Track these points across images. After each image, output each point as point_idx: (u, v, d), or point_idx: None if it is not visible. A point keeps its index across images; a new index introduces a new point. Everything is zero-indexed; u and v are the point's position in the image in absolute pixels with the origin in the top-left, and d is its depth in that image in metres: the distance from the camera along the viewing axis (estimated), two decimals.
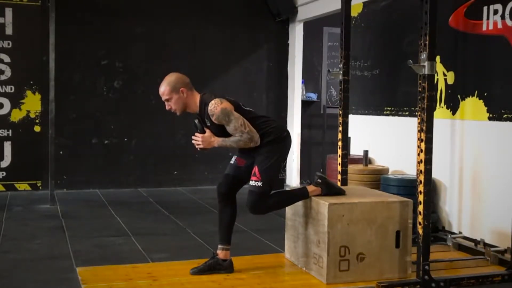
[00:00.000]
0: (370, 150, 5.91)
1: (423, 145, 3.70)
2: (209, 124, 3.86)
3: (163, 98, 3.90)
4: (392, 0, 5.90)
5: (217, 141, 3.85)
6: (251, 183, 3.83)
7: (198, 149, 3.93)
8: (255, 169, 3.82)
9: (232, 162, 4.05)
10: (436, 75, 5.02)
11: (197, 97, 3.92)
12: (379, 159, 6.02)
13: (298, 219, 4.15)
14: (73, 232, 5.21)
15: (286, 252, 4.40)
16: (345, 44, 4.93)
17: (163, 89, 3.88)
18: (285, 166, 3.96)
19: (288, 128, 8.25)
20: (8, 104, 7.19)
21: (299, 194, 4.04)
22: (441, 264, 4.22)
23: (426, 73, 3.68)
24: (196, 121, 3.92)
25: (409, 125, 5.35)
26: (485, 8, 4.66)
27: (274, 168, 3.85)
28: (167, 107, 3.94)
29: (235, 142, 3.80)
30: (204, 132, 3.88)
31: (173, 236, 5.20)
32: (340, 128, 4.94)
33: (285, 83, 8.38)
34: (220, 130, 3.83)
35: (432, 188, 4.09)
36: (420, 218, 3.75)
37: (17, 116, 7.23)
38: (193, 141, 3.92)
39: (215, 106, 3.77)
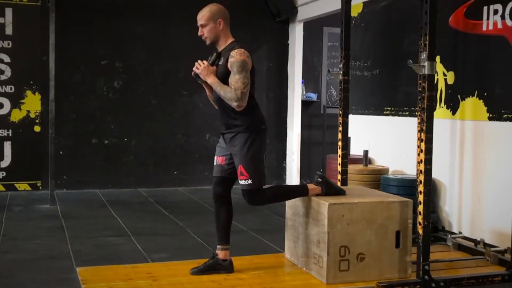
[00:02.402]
0: (370, 150, 5.91)
1: (423, 145, 3.70)
2: (221, 63, 3.85)
3: (199, 22, 3.90)
4: (392, 0, 5.90)
5: (213, 79, 3.82)
6: (242, 182, 3.82)
7: (193, 73, 3.90)
8: (240, 168, 3.80)
9: (215, 163, 4.04)
10: (436, 75, 5.02)
11: (229, 38, 3.94)
12: (379, 159, 6.02)
13: (298, 219, 4.15)
14: (73, 232, 5.21)
15: (286, 252, 4.40)
16: (345, 44, 4.93)
17: (203, 13, 3.89)
18: (266, 159, 3.94)
19: (288, 128, 8.33)
20: (8, 104, 7.19)
21: (299, 190, 4.06)
22: (441, 264, 4.22)
23: (426, 73, 3.68)
24: (214, 54, 3.92)
25: (409, 125, 5.34)
26: (485, 8, 4.66)
27: (257, 161, 3.83)
28: (200, 33, 3.93)
29: (225, 91, 3.76)
30: (212, 66, 3.87)
31: (173, 236, 5.20)
32: (340, 128, 4.93)
33: (285, 83, 8.38)
34: (223, 76, 3.81)
35: (432, 188, 4.09)
36: (420, 218, 3.75)
37: (17, 116, 7.23)
38: (195, 63, 3.89)
39: (241, 53, 3.77)
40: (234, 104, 3.75)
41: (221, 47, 3.93)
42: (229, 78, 3.77)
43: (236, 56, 3.75)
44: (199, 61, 3.88)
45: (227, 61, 3.79)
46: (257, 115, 3.92)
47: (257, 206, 3.97)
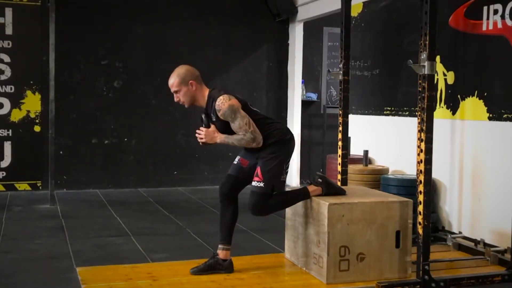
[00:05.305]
0: (370, 150, 5.91)
1: (423, 145, 3.70)
2: (214, 120, 3.86)
3: (172, 89, 3.90)
4: (392, 0, 5.90)
5: (220, 137, 3.85)
6: (253, 183, 3.84)
7: (200, 143, 3.92)
8: (258, 170, 3.83)
9: (235, 162, 4.05)
10: (436, 75, 5.02)
11: (206, 91, 3.92)
12: (379, 159, 6.02)
13: (298, 219, 4.15)
14: (73, 232, 5.21)
15: (286, 252, 4.40)
16: (345, 44, 4.93)
17: (173, 81, 3.88)
18: (287, 168, 3.95)
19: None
20: (8, 104, 7.19)
21: (300, 195, 4.04)
22: (441, 264, 4.22)
23: (426, 73, 3.68)
24: (203, 115, 3.91)
25: (409, 125, 5.35)
26: (485, 8, 4.66)
27: (276, 170, 3.85)
28: (176, 99, 3.93)
29: (237, 140, 3.80)
30: (209, 127, 3.88)
31: (173, 236, 5.20)
32: (340, 128, 4.93)
33: (285, 83, 8.39)
34: (224, 127, 3.83)
35: (432, 188, 4.09)
36: (420, 218, 3.75)
37: (17, 116, 7.23)
38: (196, 135, 3.91)
39: (223, 102, 3.76)
40: (253, 145, 3.80)
41: (202, 104, 3.93)
42: (231, 127, 3.80)
43: (222, 107, 3.76)
44: (197, 131, 3.90)
45: (217, 115, 3.80)
46: (277, 130, 3.92)
47: (260, 215, 3.95)
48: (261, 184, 3.80)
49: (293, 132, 8.53)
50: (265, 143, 3.84)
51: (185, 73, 3.88)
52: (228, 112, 3.75)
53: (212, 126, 3.88)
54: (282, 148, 3.89)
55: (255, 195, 3.82)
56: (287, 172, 3.96)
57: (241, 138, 3.79)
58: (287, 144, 3.94)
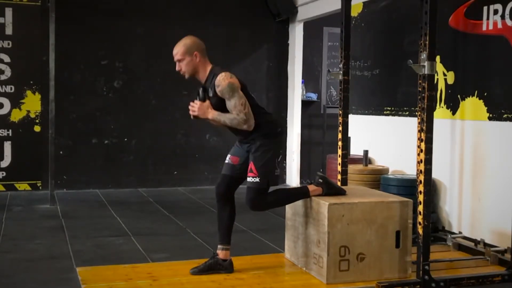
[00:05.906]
0: (370, 150, 5.91)
1: (423, 145, 3.71)
2: (211, 95, 3.84)
3: (176, 58, 3.88)
4: (392, 0, 5.90)
5: (212, 113, 3.83)
6: (249, 179, 3.84)
7: (192, 116, 3.90)
8: (251, 165, 3.83)
9: (226, 161, 4.04)
10: (436, 75, 5.02)
11: (208, 66, 3.92)
12: (379, 159, 6.02)
13: (298, 219, 4.15)
14: (73, 232, 5.21)
15: (286, 252, 4.40)
16: (345, 44, 4.93)
17: (178, 49, 3.87)
18: (279, 162, 3.94)
19: (288, 128, 8.32)
20: (8, 104, 7.19)
21: (300, 193, 4.05)
22: (441, 264, 4.22)
23: (426, 73, 3.68)
24: (200, 90, 3.88)
25: (409, 125, 5.35)
26: (485, 8, 4.66)
27: (269, 164, 3.85)
28: (177, 68, 3.91)
29: (230, 119, 3.78)
30: (204, 101, 3.85)
31: (173, 236, 5.20)
32: (340, 128, 4.94)
33: (285, 83, 8.38)
34: (219, 105, 3.81)
35: (432, 188, 4.09)
36: (420, 218, 3.75)
37: (17, 116, 7.23)
38: (189, 107, 3.88)
39: (224, 78, 3.76)
40: (244, 127, 3.78)
41: (203, 78, 3.92)
42: (226, 105, 3.78)
43: (221, 83, 3.75)
44: (191, 103, 3.88)
45: (215, 91, 3.79)
46: (269, 121, 3.92)
47: (258, 211, 3.96)
48: (257, 179, 3.81)
49: (293, 132, 8.56)
50: (256, 132, 3.83)
51: (192, 44, 3.88)
52: (227, 89, 3.74)
53: (207, 101, 3.86)
54: (271, 141, 3.88)
55: (252, 191, 3.83)
56: (279, 166, 3.94)
57: (233, 117, 3.76)
58: (278, 137, 3.95)
